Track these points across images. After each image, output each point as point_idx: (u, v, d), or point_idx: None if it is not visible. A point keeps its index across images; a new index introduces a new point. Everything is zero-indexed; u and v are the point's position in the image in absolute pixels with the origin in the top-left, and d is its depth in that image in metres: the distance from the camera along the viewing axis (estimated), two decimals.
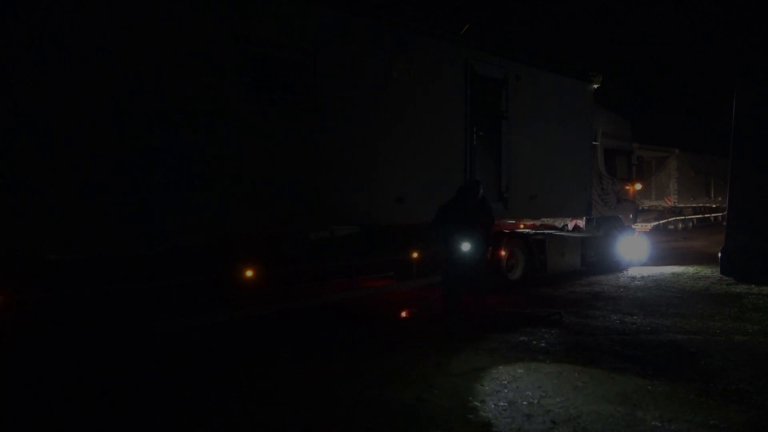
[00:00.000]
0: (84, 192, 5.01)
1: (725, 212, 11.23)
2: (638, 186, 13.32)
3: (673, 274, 11.45)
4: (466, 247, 6.94)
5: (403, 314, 8.11)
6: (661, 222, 23.29)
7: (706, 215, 27.03)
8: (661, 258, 13.98)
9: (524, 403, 4.51)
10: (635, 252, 12.42)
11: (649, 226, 19.82)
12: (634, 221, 13.22)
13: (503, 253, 9.37)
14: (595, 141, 11.24)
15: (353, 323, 7.39)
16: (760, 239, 9.61)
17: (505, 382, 4.97)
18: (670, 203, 23.97)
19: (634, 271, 11.77)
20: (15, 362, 5.08)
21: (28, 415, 4.34)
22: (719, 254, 10.31)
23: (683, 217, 25.10)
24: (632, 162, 12.86)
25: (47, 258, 5.19)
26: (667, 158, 23.53)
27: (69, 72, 4.87)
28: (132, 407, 4.48)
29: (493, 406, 4.45)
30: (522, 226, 9.84)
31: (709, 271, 11.46)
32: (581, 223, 11.25)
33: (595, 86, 10.78)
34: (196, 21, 5.61)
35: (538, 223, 10.18)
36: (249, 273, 6.21)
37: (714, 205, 26.99)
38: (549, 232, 10.38)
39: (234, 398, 4.65)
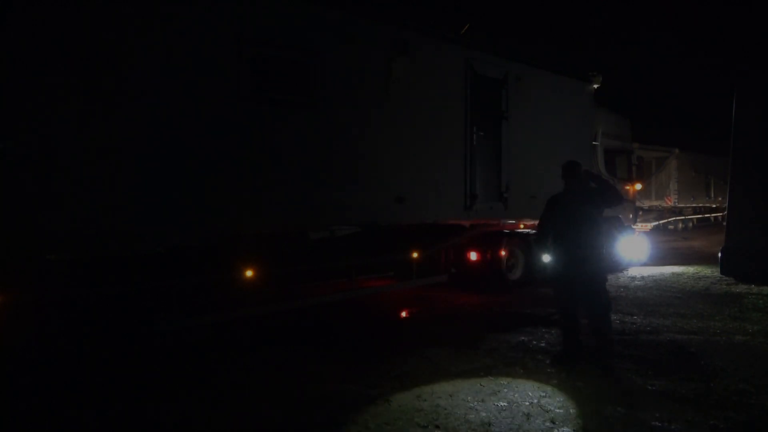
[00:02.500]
0: (83, 192, 5.01)
1: (725, 212, 11.23)
2: (638, 186, 13.32)
3: (673, 274, 11.45)
4: (574, 253, 5.39)
5: (403, 314, 8.11)
6: (661, 222, 23.29)
7: (706, 215, 27.03)
8: (661, 258, 13.98)
9: (524, 403, 4.51)
10: (635, 252, 12.41)
11: (649, 226, 19.80)
12: (634, 221, 13.22)
13: (503, 253, 9.37)
14: (595, 141, 11.24)
15: (353, 323, 7.40)
16: (760, 239, 9.61)
17: (505, 382, 4.97)
18: (670, 203, 23.97)
19: (634, 271, 11.77)
20: (15, 362, 5.08)
21: (29, 415, 4.34)
22: (719, 254, 10.30)
23: (683, 217, 25.10)
24: (632, 162, 12.86)
25: (47, 258, 5.19)
26: (667, 158, 23.53)
27: (68, 71, 4.87)
28: (131, 407, 4.48)
29: (493, 406, 4.45)
30: (522, 226, 9.84)
31: (709, 271, 11.45)
32: None
33: (595, 86, 10.78)
34: (197, 21, 5.61)
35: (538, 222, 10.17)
36: (249, 273, 6.21)
37: (714, 205, 26.99)
38: None
39: (235, 398, 4.65)
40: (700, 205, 26.31)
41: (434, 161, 7.82)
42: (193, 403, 4.55)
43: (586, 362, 5.41)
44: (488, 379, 5.05)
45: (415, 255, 8.02)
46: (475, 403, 4.51)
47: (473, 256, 9.32)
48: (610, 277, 10.95)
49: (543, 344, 6.21)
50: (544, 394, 4.70)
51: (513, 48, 9.46)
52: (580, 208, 5.55)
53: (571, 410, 4.36)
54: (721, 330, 6.79)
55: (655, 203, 23.84)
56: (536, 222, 10.00)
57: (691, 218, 25.83)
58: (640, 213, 19.81)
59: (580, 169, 5.86)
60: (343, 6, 6.73)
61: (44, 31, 4.75)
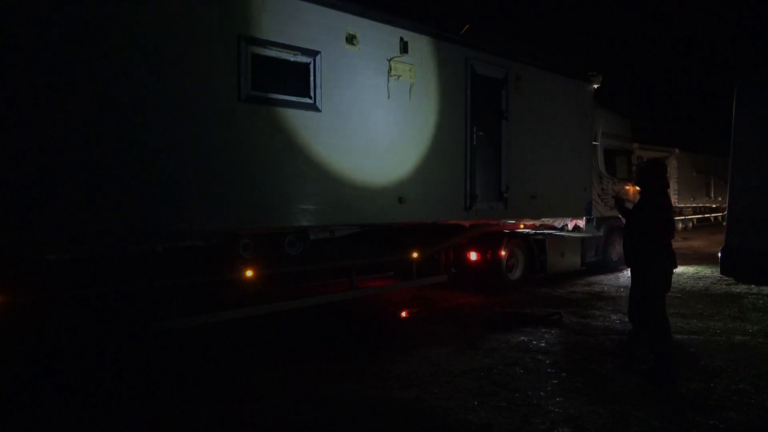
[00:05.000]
0: (83, 191, 5.00)
1: (725, 212, 11.24)
2: (638, 186, 13.32)
3: (673, 273, 11.43)
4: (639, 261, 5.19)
5: (403, 314, 8.11)
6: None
7: (706, 215, 27.02)
8: None
9: (524, 403, 4.51)
10: None
11: None
12: None
13: (503, 253, 9.37)
14: (595, 141, 11.24)
15: (353, 323, 7.40)
16: (760, 239, 9.60)
17: (505, 382, 4.97)
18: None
19: None
20: (15, 362, 5.08)
21: (29, 415, 4.34)
22: (719, 254, 10.30)
23: (683, 217, 25.09)
24: (632, 162, 12.86)
25: (47, 258, 5.19)
26: (667, 158, 23.52)
27: (67, 70, 4.86)
28: (131, 407, 4.48)
29: (493, 406, 4.45)
30: (522, 226, 9.84)
31: (709, 271, 11.46)
32: (581, 223, 11.26)
33: (595, 86, 10.78)
34: (197, 21, 5.61)
35: (538, 223, 10.19)
36: (249, 273, 6.21)
37: (714, 205, 26.98)
38: (549, 232, 10.39)
39: (235, 398, 4.65)
40: (700, 205, 26.30)
41: (434, 161, 7.82)
42: (193, 403, 4.55)
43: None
44: (488, 379, 5.05)
45: (415, 255, 8.02)
46: (475, 403, 4.51)
47: (473, 256, 9.32)
48: (611, 277, 11.01)
49: (543, 344, 6.21)
50: (544, 394, 4.70)
51: (513, 48, 9.43)
52: (646, 210, 5.27)
53: (571, 410, 4.36)
54: (721, 330, 6.79)
55: None
56: (536, 222, 10.10)
57: (691, 218, 25.82)
58: None
59: (651, 173, 5.42)
60: (344, 6, 6.73)
61: (40, 26, 4.73)
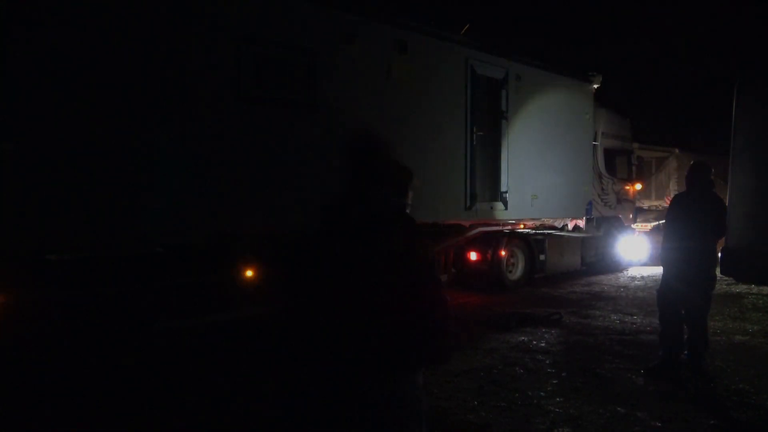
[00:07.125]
0: (83, 192, 5.00)
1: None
2: (638, 186, 13.34)
3: None
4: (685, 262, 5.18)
5: None
6: (661, 222, 23.22)
7: None
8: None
9: (524, 403, 4.51)
10: (635, 252, 12.42)
11: (649, 226, 19.83)
12: (634, 221, 13.25)
13: (503, 253, 9.37)
14: (595, 141, 11.24)
15: None
16: (760, 239, 9.60)
17: (505, 382, 4.97)
18: (669, 203, 23.89)
19: (634, 271, 11.77)
20: (15, 362, 5.07)
21: (28, 416, 4.34)
22: (719, 254, 10.30)
23: None
24: (632, 162, 12.87)
25: (47, 258, 5.18)
26: (667, 158, 23.50)
27: (67, 70, 4.86)
28: (131, 407, 4.48)
29: (492, 406, 4.44)
30: (522, 226, 9.84)
31: None
32: (581, 223, 11.27)
33: (595, 86, 10.79)
34: (197, 21, 5.61)
35: (538, 223, 10.20)
36: (249, 273, 6.20)
37: None
38: (549, 232, 10.39)
39: (234, 398, 4.65)
40: None
41: (434, 161, 7.81)
42: (193, 402, 4.55)
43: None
44: (488, 379, 5.04)
45: None
46: (475, 403, 4.50)
47: (473, 256, 9.32)
48: (611, 277, 11.01)
49: (543, 344, 6.21)
50: (544, 394, 4.70)
51: (513, 48, 9.43)
52: (700, 212, 5.31)
53: (571, 410, 4.36)
54: (721, 330, 6.79)
55: (655, 203, 23.79)
56: (536, 222, 10.10)
57: None
58: (640, 213, 19.82)
59: (704, 173, 5.62)
60: (344, 6, 6.73)
61: (40, 26, 4.73)
